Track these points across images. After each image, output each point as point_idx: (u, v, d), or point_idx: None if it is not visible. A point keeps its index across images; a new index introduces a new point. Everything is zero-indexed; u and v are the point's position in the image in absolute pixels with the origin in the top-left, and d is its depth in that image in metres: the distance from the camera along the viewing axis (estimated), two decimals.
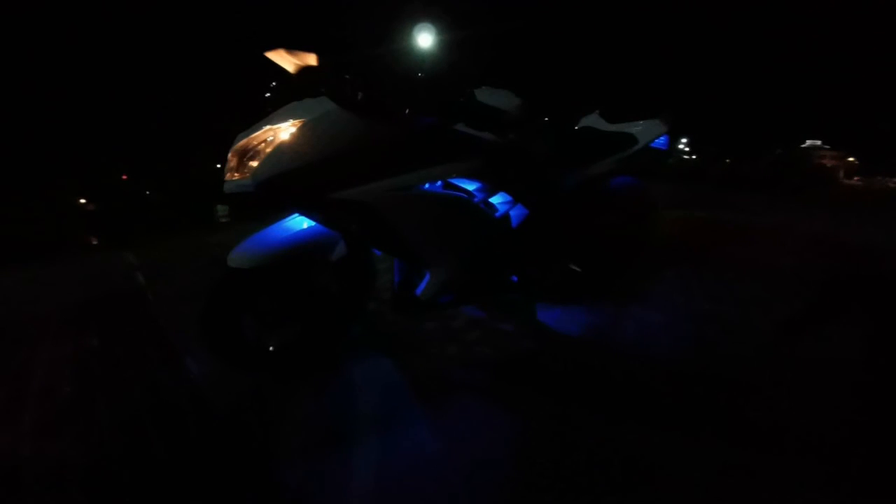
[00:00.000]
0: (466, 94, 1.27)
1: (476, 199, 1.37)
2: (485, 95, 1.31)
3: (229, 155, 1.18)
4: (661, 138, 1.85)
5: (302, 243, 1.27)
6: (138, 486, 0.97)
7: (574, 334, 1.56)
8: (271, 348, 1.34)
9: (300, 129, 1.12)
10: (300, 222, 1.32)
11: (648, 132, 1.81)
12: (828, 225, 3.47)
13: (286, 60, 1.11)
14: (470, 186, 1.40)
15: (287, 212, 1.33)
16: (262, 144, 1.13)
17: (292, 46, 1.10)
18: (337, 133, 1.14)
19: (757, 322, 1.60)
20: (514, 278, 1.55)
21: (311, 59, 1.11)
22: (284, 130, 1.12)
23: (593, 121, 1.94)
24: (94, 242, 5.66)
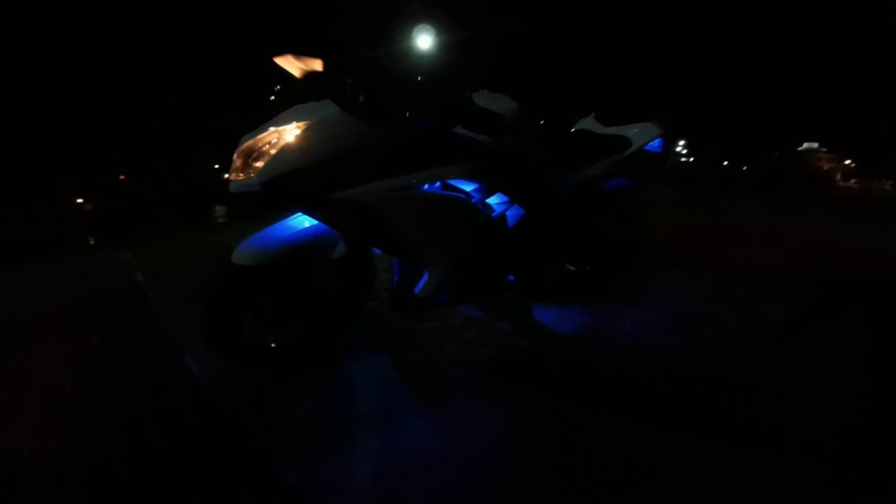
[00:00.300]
0: (465, 98, 1.29)
1: (474, 200, 1.38)
2: (482, 99, 1.33)
3: (234, 156, 1.19)
4: (656, 141, 1.86)
5: (304, 242, 1.28)
6: (138, 486, 0.97)
7: (570, 334, 1.56)
8: (273, 345, 1.34)
9: (304, 132, 1.13)
10: (302, 221, 1.33)
11: (643, 135, 1.83)
12: (826, 228, 3.49)
13: (293, 65, 1.14)
14: (468, 187, 1.42)
15: (289, 211, 1.34)
16: (267, 146, 1.14)
17: (298, 51, 1.12)
18: (339, 135, 1.16)
19: (756, 322, 1.60)
20: (511, 278, 1.56)
21: (318, 65, 1.14)
22: (289, 132, 1.14)
23: (589, 124, 1.95)
24: (91, 242, 5.62)
